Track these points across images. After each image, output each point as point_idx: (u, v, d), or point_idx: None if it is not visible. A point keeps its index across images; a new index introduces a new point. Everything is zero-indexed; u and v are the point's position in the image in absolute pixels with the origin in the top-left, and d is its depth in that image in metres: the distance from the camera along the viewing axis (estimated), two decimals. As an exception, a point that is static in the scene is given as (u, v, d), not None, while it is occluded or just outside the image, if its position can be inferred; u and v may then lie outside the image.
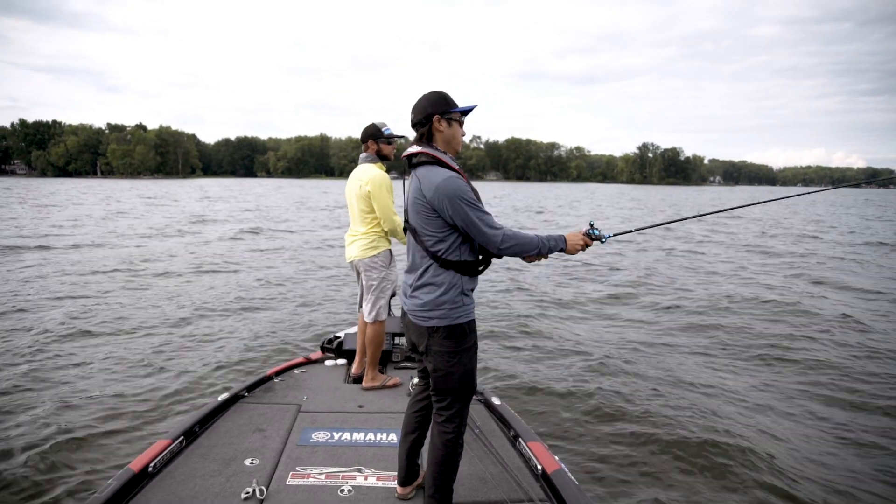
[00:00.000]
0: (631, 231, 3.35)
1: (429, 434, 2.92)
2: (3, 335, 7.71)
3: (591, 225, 2.90)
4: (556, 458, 3.32)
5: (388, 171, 4.55)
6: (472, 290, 2.77)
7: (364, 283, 4.61)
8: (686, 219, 3.65)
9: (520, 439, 3.60)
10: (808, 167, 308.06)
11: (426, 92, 2.79)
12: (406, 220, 2.80)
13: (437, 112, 2.72)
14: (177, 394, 5.84)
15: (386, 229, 4.49)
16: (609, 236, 2.97)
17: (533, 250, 2.68)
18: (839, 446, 5.00)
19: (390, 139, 4.55)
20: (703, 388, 6.18)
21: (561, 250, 2.79)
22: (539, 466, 3.25)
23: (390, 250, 4.60)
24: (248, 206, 39.36)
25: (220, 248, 17.29)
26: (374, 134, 4.50)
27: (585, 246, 2.84)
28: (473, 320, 2.75)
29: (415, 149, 2.73)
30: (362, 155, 4.60)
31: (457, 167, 2.67)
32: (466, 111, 2.79)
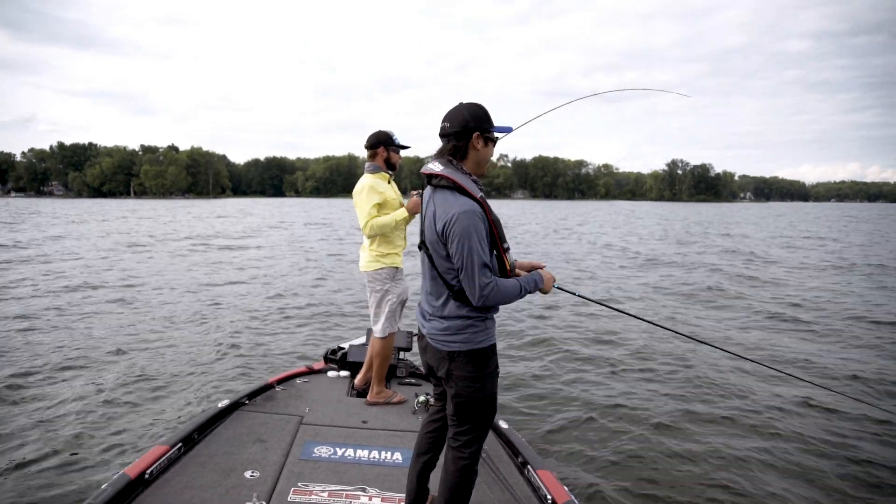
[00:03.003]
0: (574, 294, 3.19)
1: (442, 458, 2.80)
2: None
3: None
4: (566, 488, 3.17)
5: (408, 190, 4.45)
6: (496, 313, 2.65)
7: (368, 295, 4.52)
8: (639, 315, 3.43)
9: (528, 466, 3.46)
10: (842, 182, 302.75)
11: (466, 102, 2.58)
12: (423, 241, 2.65)
13: (479, 128, 2.53)
14: (175, 399, 5.76)
15: (366, 234, 4.33)
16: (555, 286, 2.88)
17: (513, 300, 2.56)
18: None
19: (400, 147, 4.47)
20: (725, 420, 5.87)
21: (539, 290, 2.70)
22: (549, 497, 3.10)
23: (396, 267, 4.44)
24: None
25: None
26: (385, 141, 4.42)
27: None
28: (495, 344, 2.63)
29: (437, 168, 2.53)
30: (367, 164, 4.49)
31: (480, 195, 2.48)
32: (505, 132, 2.64)
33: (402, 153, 4.57)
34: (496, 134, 2.62)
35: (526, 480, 3.41)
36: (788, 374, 4.99)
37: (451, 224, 2.41)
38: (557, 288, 2.92)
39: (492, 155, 2.65)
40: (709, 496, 4.35)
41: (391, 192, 4.40)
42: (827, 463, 4.82)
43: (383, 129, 4.48)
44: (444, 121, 2.58)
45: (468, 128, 2.52)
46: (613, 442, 5.19)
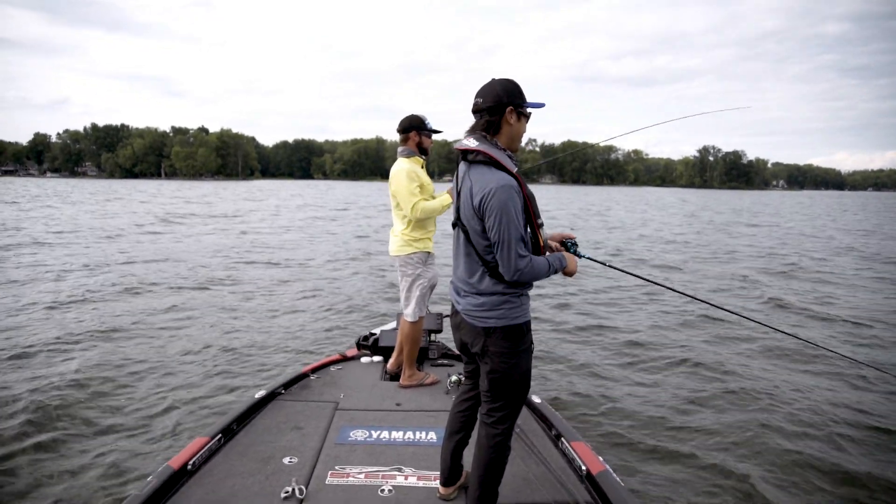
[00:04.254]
0: (603, 263, 3.21)
1: (475, 434, 2.83)
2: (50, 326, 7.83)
3: (572, 242, 2.85)
4: (601, 458, 3.19)
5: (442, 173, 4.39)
6: (530, 289, 2.65)
7: (399, 279, 4.51)
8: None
9: (562, 439, 3.49)
10: (881, 171, 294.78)
11: (498, 77, 2.55)
12: (458, 219, 2.64)
13: (511, 103, 2.51)
14: (214, 391, 5.80)
15: (412, 217, 4.27)
16: (585, 255, 2.90)
17: (543, 276, 2.56)
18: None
19: (432, 132, 4.45)
20: (772, 396, 5.74)
21: (563, 270, 2.69)
22: (583, 467, 3.13)
23: (428, 252, 4.43)
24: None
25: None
26: (418, 125, 4.40)
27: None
28: (530, 321, 2.63)
29: (472, 144, 2.51)
30: (400, 149, 4.48)
31: (515, 170, 2.48)
32: (538, 107, 2.61)
33: (432, 137, 4.53)
34: (528, 109, 2.59)
35: (560, 452, 3.44)
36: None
37: (488, 198, 2.39)
38: (588, 258, 2.92)
39: (525, 131, 2.62)
40: (748, 471, 4.32)
41: (426, 177, 4.40)
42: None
43: (415, 113, 4.44)
44: (477, 96, 2.56)
45: (501, 103, 2.51)
46: (649, 417, 5.20)
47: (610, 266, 3.30)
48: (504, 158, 2.48)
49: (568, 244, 2.85)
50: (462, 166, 2.61)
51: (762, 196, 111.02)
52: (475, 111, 2.56)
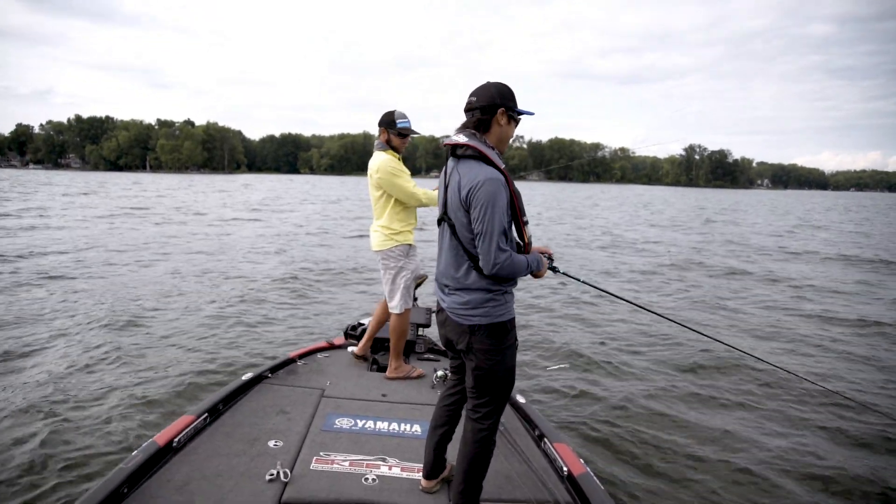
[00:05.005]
0: (578, 280, 3.30)
1: (459, 429, 2.89)
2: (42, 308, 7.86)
3: (548, 256, 2.89)
4: (582, 460, 3.24)
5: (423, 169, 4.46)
6: (514, 286, 2.71)
7: (382, 273, 4.55)
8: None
9: (545, 439, 3.53)
10: (863, 171, 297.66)
11: (493, 81, 2.66)
12: (444, 213, 2.69)
13: (504, 105, 2.61)
14: (200, 372, 5.87)
15: (415, 205, 4.41)
16: (560, 271, 3.01)
17: (521, 275, 2.62)
18: None
19: (402, 132, 4.37)
20: (743, 404, 5.86)
21: (534, 273, 2.74)
22: (565, 468, 3.17)
23: (408, 244, 4.49)
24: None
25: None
26: (387, 123, 4.37)
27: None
28: (514, 318, 2.69)
29: (461, 139, 2.59)
30: (376, 141, 4.50)
31: (502, 166, 2.56)
32: (528, 114, 2.72)
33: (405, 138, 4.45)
34: (519, 115, 2.69)
35: (542, 452, 3.47)
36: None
37: (475, 189, 2.46)
38: (552, 269, 2.95)
39: (512, 135, 2.71)
40: (724, 475, 4.39)
41: (406, 169, 4.43)
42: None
43: (397, 109, 4.41)
44: (471, 95, 2.64)
45: (494, 104, 2.59)
46: (629, 420, 5.25)
47: (584, 282, 3.35)
48: (493, 154, 2.55)
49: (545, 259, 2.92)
50: (451, 162, 2.67)
51: (744, 195, 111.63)
52: (468, 109, 2.63)
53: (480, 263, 2.52)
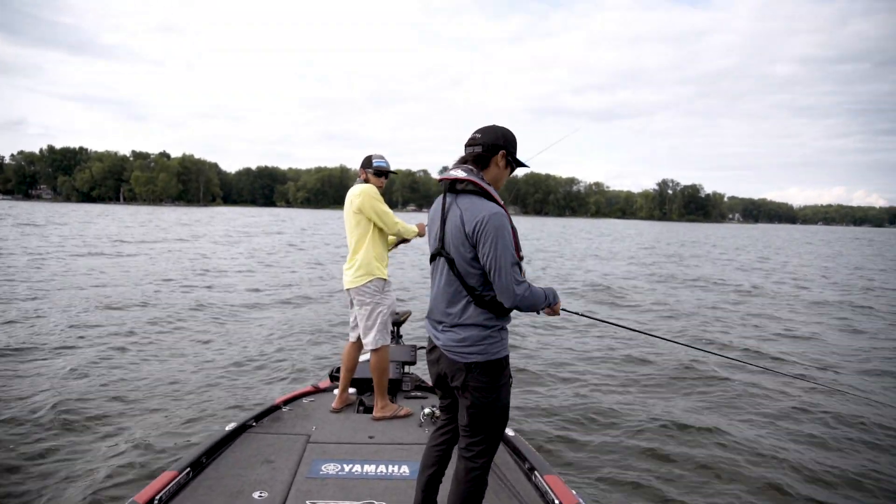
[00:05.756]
0: (582, 314, 3.42)
1: (450, 469, 2.84)
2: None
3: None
4: (574, 492, 3.21)
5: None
6: (509, 322, 2.70)
7: (357, 311, 4.53)
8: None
9: (535, 472, 3.49)
10: (829, 205, 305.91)
11: (500, 125, 2.72)
12: (441, 248, 2.67)
13: (506, 149, 2.66)
14: (184, 423, 5.71)
15: (392, 232, 4.47)
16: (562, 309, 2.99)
17: (540, 306, 2.64)
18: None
19: (378, 171, 4.53)
20: (733, 425, 5.91)
21: (551, 307, 2.76)
22: (556, 501, 3.13)
23: (383, 279, 4.48)
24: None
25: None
26: (365, 164, 4.56)
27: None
28: (508, 355, 2.67)
29: (460, 174, 2.60)
30: (357, 179, 4.63)
31: (501, 203, 2.58)
32: (523, 166, 2.77)
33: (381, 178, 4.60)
34: (515, 161, 2.73)
35: (533, 486, 3.44)
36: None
37: (483, 224, 2.46)
38: (565, 310, 2.98)
39: (504, 181, 2.74)
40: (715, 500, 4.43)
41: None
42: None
43: (376, 152, 4.61)
44: (476, 132, 2.69)
45: (497, 144, 2.64)
46: (620, 447, 5.29)
47: (584, 315, 3.45)
48: (492, 191, 2.58)
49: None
50: (448, 196, 2.66)
51: (715, 229, 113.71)
52: (470, 144, 2.66)
53: (500, 298, 2.50)
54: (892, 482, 4.81)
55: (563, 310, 2.92)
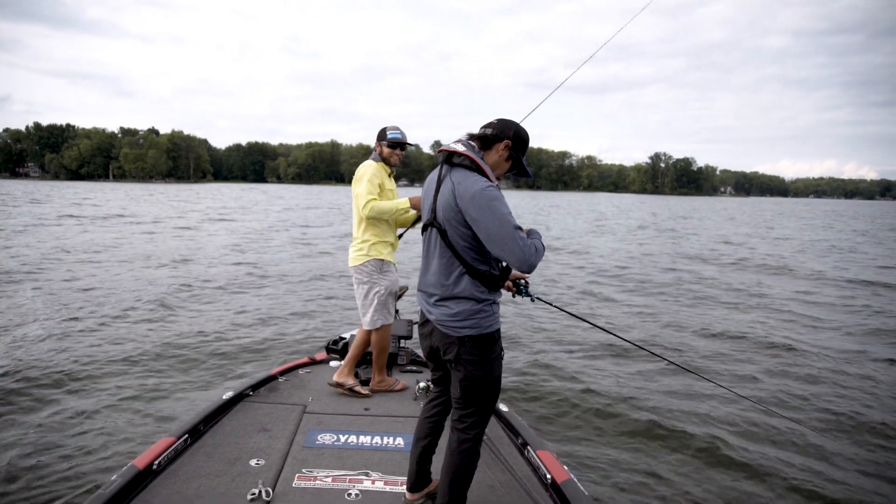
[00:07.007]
0: (552, 305, 3.42)
1: (443, 441, 2.87)
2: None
3: (525, 282, 2.98)
4: (566, 467, 3.25)
5: (396, 178, 4.47)
6: (500, 297, 2.72)
7: (356, 289, 4.50)
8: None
9: (528, 447, 3.54)
10: (821, 178, 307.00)
11: (518, 121, 2.75)
12: (433, 219, 2.67)
13: (512, 141, 2.67)
14: (180, 390, 5.76)
15: (363, 215, 4.25)
16: (535, 297, 3.07)
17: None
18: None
19: (392, 143, 4.38)
20: (722, 396, 5.98)
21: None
22: (549, 476, 3.18)
23: (381, 260, 4.37)
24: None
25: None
26: (379, 136, 4.46)
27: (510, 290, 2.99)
28: (500, 328, 2.70)
29: (459, 148, 2.60)
30: (373, 153, 4.50)
31: (496, 182, 2.59)
32: (524, 170, 2.78)
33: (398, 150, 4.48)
34: (518, 157, 2.72)
35: (526, 461, 3.49)
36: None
37: (478, 195, 2.46)
38: (538, 299, 3.11)
39: (502, 173, 2.75)
40: (707, 476, 4.49)
41: (389, 184, 4.40)
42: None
43: (392, 124, 4.48)
44: (494, 120, 2.71)
45: (506, 135, 2.66)
46: (612, 424, 5.32)
47: (557, 307, 3.44)
48: (487, 169, 2.58)
49: (520, 284, 2.98)
50: (444, 168, 2.67)
51: (706, 202, 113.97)
52: (484, 126, 2.69)
53: (513, 261, 2.46)
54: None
55: (527, 295, 2.98)
